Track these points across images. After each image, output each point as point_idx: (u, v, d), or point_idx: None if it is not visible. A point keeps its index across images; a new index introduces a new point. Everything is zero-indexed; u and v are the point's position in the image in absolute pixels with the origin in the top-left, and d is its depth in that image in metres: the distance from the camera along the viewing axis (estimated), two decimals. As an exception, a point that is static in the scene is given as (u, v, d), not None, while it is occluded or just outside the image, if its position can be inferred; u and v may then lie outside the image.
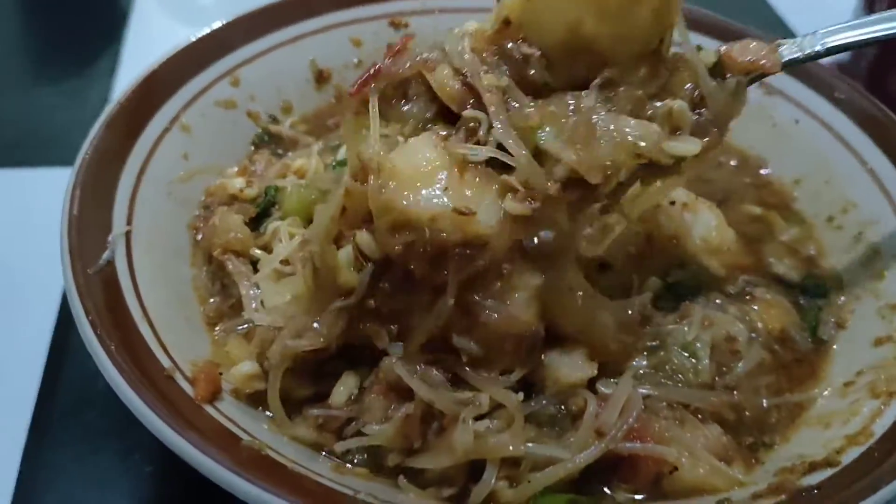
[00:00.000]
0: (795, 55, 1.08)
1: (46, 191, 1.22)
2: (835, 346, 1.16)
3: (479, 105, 0.93)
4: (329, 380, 1.01)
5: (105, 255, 1.05)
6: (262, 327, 1.05)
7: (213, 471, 0.86)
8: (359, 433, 0.97)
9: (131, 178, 1.17)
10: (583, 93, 0.94)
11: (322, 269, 0.97)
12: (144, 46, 1.81)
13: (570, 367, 0.99)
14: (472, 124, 0.94)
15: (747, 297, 1.17)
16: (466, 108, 0.94)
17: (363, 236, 0.94)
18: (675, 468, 0.96)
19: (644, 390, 1.00)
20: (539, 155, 0.92)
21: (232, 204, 1.23)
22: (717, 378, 1.06)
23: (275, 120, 1.41)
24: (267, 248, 1.17)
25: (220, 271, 1.17)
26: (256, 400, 1.03)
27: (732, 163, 1.42)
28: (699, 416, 1.02)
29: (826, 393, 1.09)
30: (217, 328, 1.12)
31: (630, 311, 1.04)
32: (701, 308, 1.11)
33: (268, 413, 1.02)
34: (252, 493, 0.84)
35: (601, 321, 1.00)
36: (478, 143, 0.93)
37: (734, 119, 0.98)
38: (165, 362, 0.98)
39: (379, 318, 0.97)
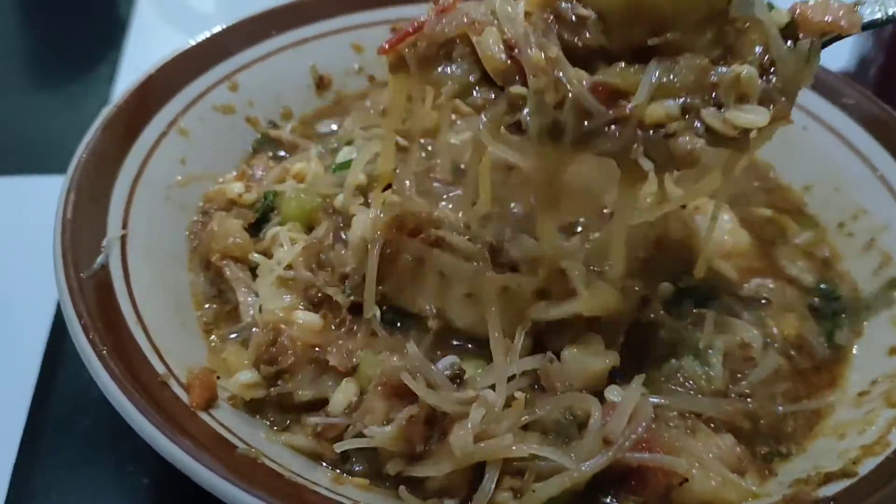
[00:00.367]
0: (877, 16, 0.99)
1: (43, 199, 1.21)
2: (854, 351, 1.14)
3: (526, 81, 0.88)
4: (329, 383, 1.00)
5: (99, 259, 1.04)
6: (258, 333, 1.04)
7: (208, 479, 0.84)
8: (359, 435, 0.95)
9: (127, 182, 1.16)
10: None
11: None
12: (143, 54, 1.78)
13: (591, 357, 0.98)
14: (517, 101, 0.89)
15: (762, 302, 1.15)
16: (512, 84, 0.88)
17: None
18: (686, 480, 0.93)
19: (654, 399, 0.98)
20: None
21: (231, 209, 1.22)
22: (730, 385, 1.04)
23: (274, 125, 1.40)
24: (266, 254, 1.15)
25: (217, 277, 1.15)
26: (254, 408, 1.01)
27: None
28: (712, 425, 1.00)
29: (841, 402, 1.07)
30: (214, 334, 1.10)
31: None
32: (714, 313, 1.09)
33: (265, 421, 1.01)
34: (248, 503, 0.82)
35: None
36: (518, 123, 0.89)
37: (804, 87, 0.92)
38: (160, 368, 0.96)
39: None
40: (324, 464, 0.97)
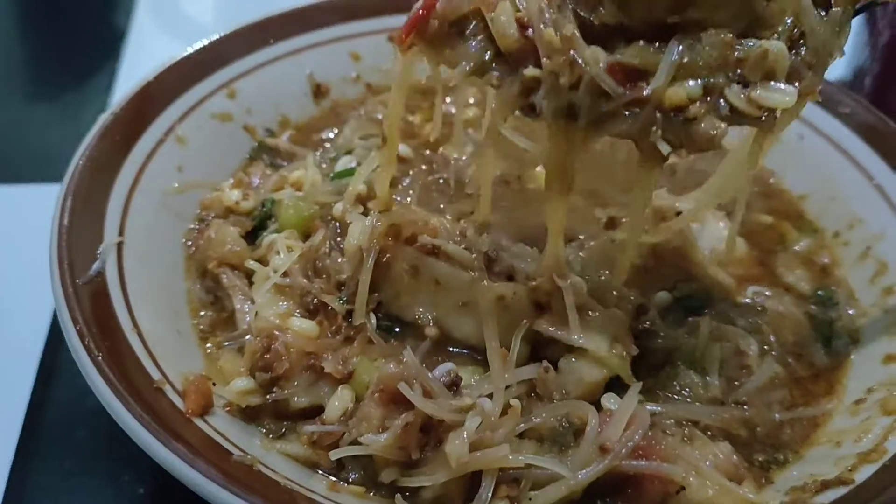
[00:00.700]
0: None
1: (40, 207, 1.21)
2: (851, 358, 1.14)
3: (540, 61, 0.85)
4: (324, 390, 1.00)
5: (95, 266, 1.04)
6: (251, 340, 1.04)
7: (203, 486, 0.84)
8: (355, 443, 0.94)
9: (124, 189, 1.16)
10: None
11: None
12: (141, 64, 1.77)
13: (589, 367, 0.98)
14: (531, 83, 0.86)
15: (759, 309, 1.15)
16: (526, 64, 0.85)
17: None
18: (683, 488, 0.92)
19: (651, 406, 0.98)
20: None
21: (228, 216, 1.22)
22: (727, 393, 1.04)
23: (272, 133, 1.40)
24: (262, 261, 1.15)
25: (214, 284, 1.16)
26: (251, 415, 1.01)
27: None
28: (709, 433, 1.00)
29: (838, 410, 1.07)
30: (210, 342, 1.10)
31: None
32: (710, 321, 1.08)
33: (261, 428, 1.01)
34: (243, 510, 0.82)
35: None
36: (532, 105, 0.86)
37: (835, 59, 0.87)
38: (155, 374, 0.96)
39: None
40: (320, 471, 0.97)
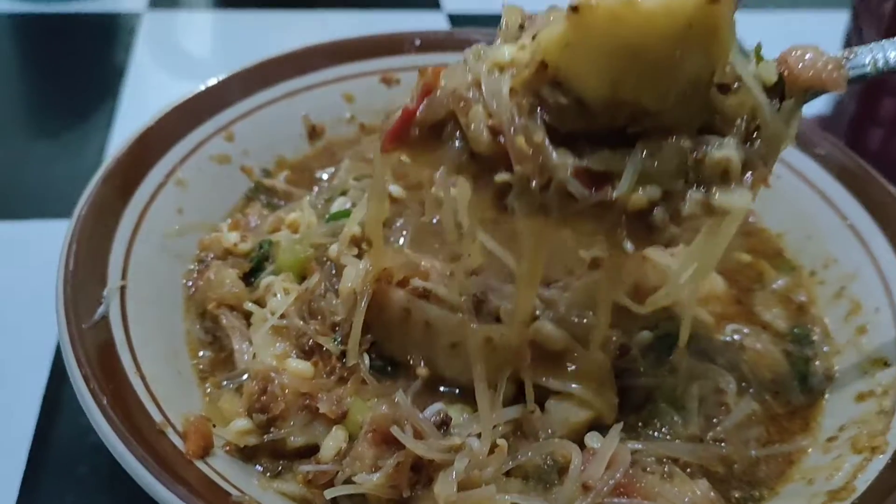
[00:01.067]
0: (866, 69, 0.97)
1: (41, 243, 1.23)
2: (826, 396, 1.16)
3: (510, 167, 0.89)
4: (319, 430, 1.03)
5: (100, 311, 1.06)
6: (248, 382, 1.06)
7: (203, 527, 0.86)
8: (349, 482, 0.97)
9: (127, 233, 1.18)
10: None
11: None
12: (140, 101, 1.83)
13: (575, 408, 1.01)
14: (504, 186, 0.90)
15: (737, 347, 1.18)
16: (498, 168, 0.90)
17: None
18: (662, 525, 0.96)
19: (632, 444, 1.01)
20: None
21: (227, 258, 1.25)
22: (706, 430, 1.06)
23: (268, 174, 1.43)
24: (260, 303, 1.18)
25: (213, 324, 1.18)
26: (249, 454, 1.03)
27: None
28: (688, 469, 1.02)
29: (812, 447, 1.09)
30: (209, 381, 1.12)
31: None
32: (689, 359, 1.11)
33: (258, 467, 1.03)
34: (241, 549, 0.84)
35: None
36: (505, 206, 0.90)
37: (785, 147, 0.91)
38: (157, 417, 0.98)
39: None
40: (316, 512, 0.99)
